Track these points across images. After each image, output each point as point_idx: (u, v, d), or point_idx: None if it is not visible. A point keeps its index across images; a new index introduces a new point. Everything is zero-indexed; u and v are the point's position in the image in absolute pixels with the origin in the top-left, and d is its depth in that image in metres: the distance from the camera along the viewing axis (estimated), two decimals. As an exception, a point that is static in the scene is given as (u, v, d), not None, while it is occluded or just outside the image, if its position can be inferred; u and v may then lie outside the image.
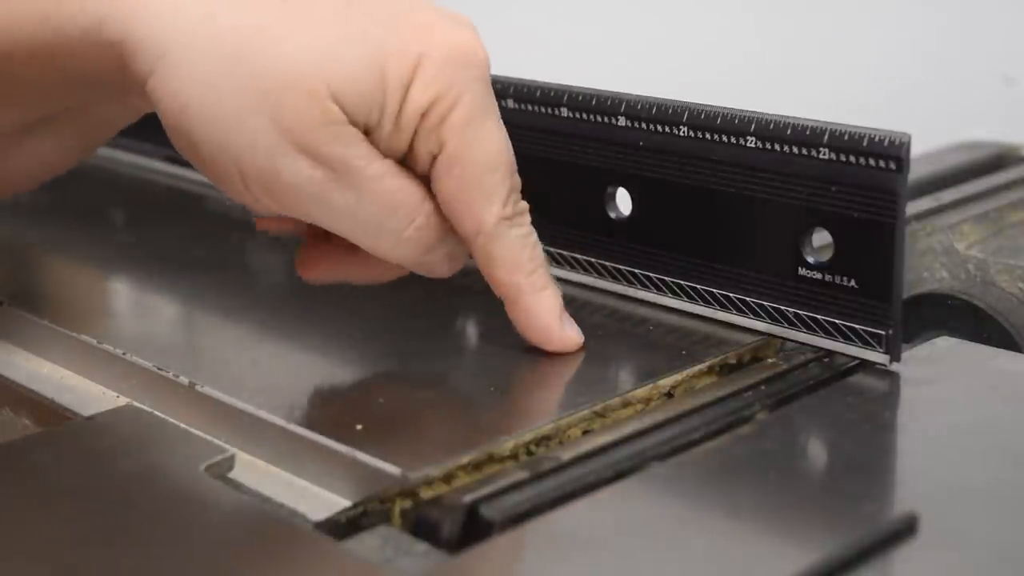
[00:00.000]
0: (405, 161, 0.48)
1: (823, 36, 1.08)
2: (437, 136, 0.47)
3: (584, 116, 0.55)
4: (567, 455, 0.43)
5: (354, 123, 0.46)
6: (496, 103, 0.48)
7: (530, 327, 0.50)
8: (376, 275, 0.51)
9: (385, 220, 0.47)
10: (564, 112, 0.56)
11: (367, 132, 0.47)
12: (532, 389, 0.50)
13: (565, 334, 0.50)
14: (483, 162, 0.48)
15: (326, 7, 0.46)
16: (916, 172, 0.49)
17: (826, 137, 0.48)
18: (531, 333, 0.50)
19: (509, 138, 0.49)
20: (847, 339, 0.50)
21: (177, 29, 0.45)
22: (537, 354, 0.51)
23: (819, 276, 0.50)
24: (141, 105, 0.51)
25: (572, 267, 0.57)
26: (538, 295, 0.50)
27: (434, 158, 0.47)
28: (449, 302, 0.56)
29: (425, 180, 0.48)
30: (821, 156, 0.48)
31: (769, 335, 0.52)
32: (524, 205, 0.50)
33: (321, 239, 0.51)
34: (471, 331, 0.54)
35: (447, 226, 0.49)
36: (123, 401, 0.50)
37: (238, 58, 0.45)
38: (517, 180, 0.49)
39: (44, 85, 0.49)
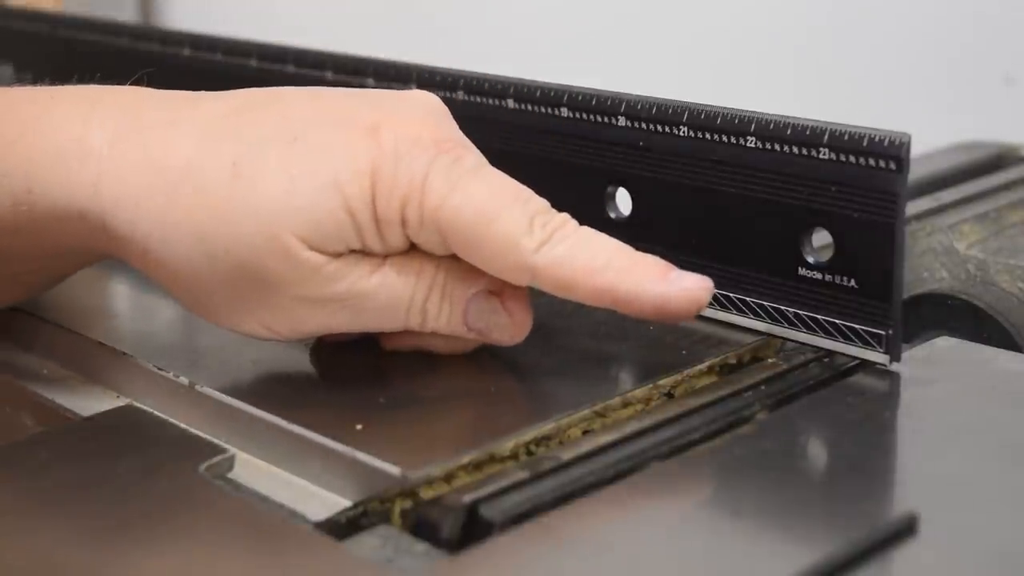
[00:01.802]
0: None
1: (823, 36, 1.08)
2: (429, 228, 0.46)
3: (584, 116, 0.55)
4: (567, 455, 0.43)
5: (338, 254, 0.46)
6: (468, 161, 0.47)
7: (646, 310, 0.46)
8: (459, 345, 0.51)
9: (401, 311, 0.48)
10: (564, 112, 0.56)
11: (362, 245, 0.46)
12: (532, 389, 0.50)
13: (684, 291, 0.46)
14: (477, 221, 0.46)
15: (273, 154, 0.46)
16: (916, 172, 0.49)
17: (826, 137, 0.48)
18: (651, 315, 0.46)
19: (500, 176, 0.47)
20: (847, 339, 0.50)
21: (147, 223, 0.46)
22: (537, 354, 0.51)
23: (819, 276, 0.50)
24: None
25: (572, 267, 0.57)
26: (629, 276, 0.46)
27: (445, 242, 0.47)
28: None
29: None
30: (821, 156, 0.48)
31: (769, 335, 0.52)
32: (555, 218, 0.47)
33: None
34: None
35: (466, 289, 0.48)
36: (123, 401, 0.50)
37: (206, 239, 0.46)
38: (534, 205, 0.47)
39: (30, 254, 0.50)
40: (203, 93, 0.49)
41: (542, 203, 0.47)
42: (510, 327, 0.49)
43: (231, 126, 0.47)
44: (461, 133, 0.49)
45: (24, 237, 0.49)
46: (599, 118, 0.55)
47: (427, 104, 0.49)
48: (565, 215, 0.47)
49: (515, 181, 0.48)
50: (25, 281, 0.53)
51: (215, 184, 0.46)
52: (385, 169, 0.46)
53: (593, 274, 0.46)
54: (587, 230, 0.47)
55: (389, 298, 0.47)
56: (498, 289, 0.48)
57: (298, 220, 0.45)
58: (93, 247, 0.49)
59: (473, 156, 0.48)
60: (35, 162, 0.47)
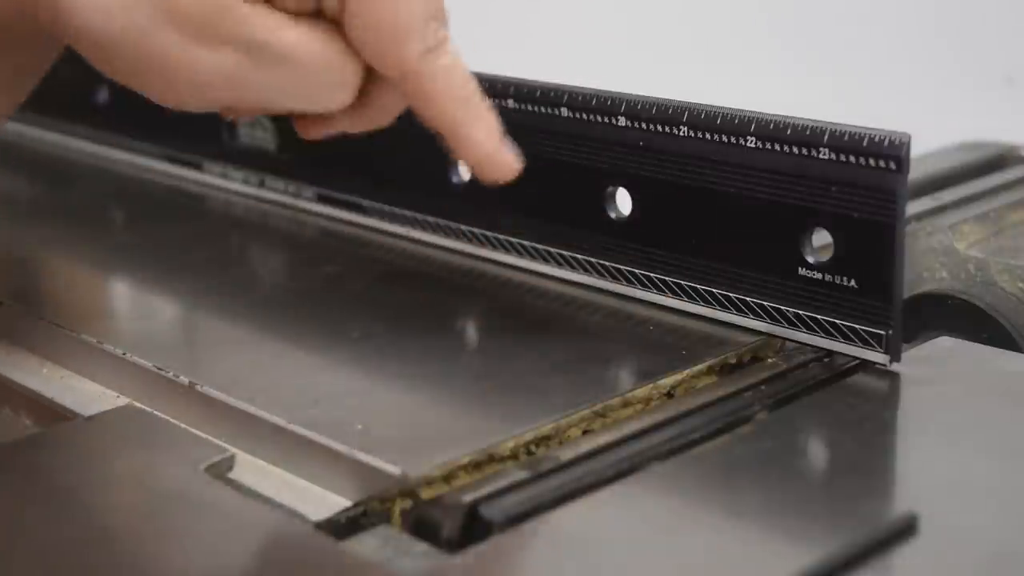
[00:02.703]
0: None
1: (823, 36, 1.08)
2: None
3: (584, 116, 0.55)
4: (567, 455, 0.43)
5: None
6: None
7: (470, 157, 0.49)
8: (371, 118, 0.50)
9: (316, 82, 0.46)
10: (564, 112, 0.56)
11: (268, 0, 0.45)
12: (532, 389, 0.50)
13: (504, 159, 0.49)
14: (388, 4, 0.46)
15: None
16: (916, 172, 0.49)
17: (826, 137, 0.48)
18: (472, 162, 0.49)
19: None
20: (847, 339, 0.50)
21: None
22: (537, 353, 0.51)
23: (819, 276, 0.50)
24: (50, 44, 0.51)
25: (572, 267, 0.57)
26: (476, 124, 0.48)
27: (341, 5, 0.46)
28: (448, 302, 0.56)
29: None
30: (821, 156, 0.48)
31: (769, 335, 0.52)
32: (445, 34, 0.47)
33: None
34: (470, 331, 0.54)
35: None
36: (123, 401, 0.50)
37: None
38: (435, 7, 0.47)
39: None
40: None
41: (443, 14, 0.47)
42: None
43: None
44: None
45: None
46: (599, 118, 0.55)
47: None
48: (447, 32, 0.47)
49: None
50: None
51: None
52: None
53: (451, 101, 0.47)
54: (458, 58, 0.47)
55: (309, 66, 0.46)
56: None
57: None
58: (16, 13, 0.47)
59: None
60: None
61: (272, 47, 0.45)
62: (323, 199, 0.67)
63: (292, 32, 0.46)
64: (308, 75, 0.46)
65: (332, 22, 0.46)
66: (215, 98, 0.46)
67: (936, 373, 0.49)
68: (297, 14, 0.46)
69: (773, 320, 0.51)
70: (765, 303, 0.52)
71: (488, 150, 0.48)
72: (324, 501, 0.43)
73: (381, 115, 0.50)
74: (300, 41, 0.46)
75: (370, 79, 0.48)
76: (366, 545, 0.40)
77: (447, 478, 0.42)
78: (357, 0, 0.46)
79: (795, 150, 0.49)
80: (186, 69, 0.45)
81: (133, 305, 0.61)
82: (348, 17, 0.46)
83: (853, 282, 0.49)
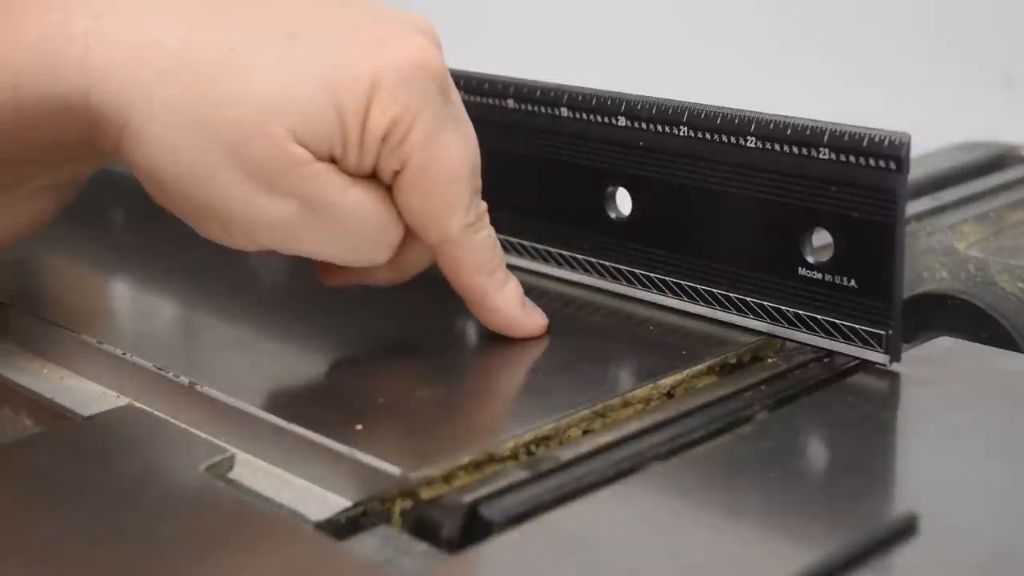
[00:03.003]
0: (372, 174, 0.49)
1: (823, 36, 1.08)
2: (398, 155, 0.47)
3: (584, 116, 0.55)
4: (567, 455, 0.43)
5: (319, 157, 0.47)
6: (455, 108, 0.49)
7: (496, 323, 0.51)
8: (397, 275, 0.52)
9: (366, 239, 0.48)
10: (564, 112, 0.56)
11: (333, 160, 0.47)
12: (532, 389, 0.50)
13: (530, 321, 0.52)
14: (445, 176, 0.48)
15: (272, 48, 0.46)
16: (916, 172, 0.49)
17: (826, 137, 0.48)
18: (498, 327, 0.52)
19: (472, 137, 0.49)
20: (847, 339, 0.50)
21: (134, 97, 0.46)
22: (537, 353, 0.51)
23: (819, 276, 0.50)
24: (114, 159, 0.51)
25: (572, 267, 0.57)
26: (501, 293, 0.51)
27: (396, 174, 0.48)
28: (448, 302, 0.56)
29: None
30: (821, 156, 0.48)
31: (769, 335, 0.52)
32: (483, 206, 0.50)
33: None
34: (471, 331, 0.54)
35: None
36: (123, 401, 0.50)
37: (195, 120, 0.46)
38: (478, 183, 0.50)
39: (14, 156, 0.49)
40: None
41: (479, 184, 0.50)
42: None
43: (225, 12, 0.47)
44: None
45: (9, 139, 0.48)
46: (599, 118, 0.55)
47: (427, 29, 0.49)
48: (485, 204, 0.50)
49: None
50: (19, 200, 0.51)
51: (211, 68, 0.46)
52: (387, 84, 0.46)
53: (481, 272, 0.50)
54: (491, 230, 0.51)
55: (364, 223, 0.48)
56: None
57: (290, 112, 0.46)
58: (78, 136, 0.48)
59: (458, 101, 0.49)
60: (18, 56, 0.46)
61: (334, 206, 0.47)
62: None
63: (353, 193, 0.48)
64: (360, 234, 0.48)
65: (383, 186, 0.49)
66: (265, 243, 0.48)
67: (936, 373, 0.49)
68: (355, 175, 0.48)
69: (773, 320, 0.51)
70: (765, 303, 0.52)
71: (512, 316, 0.51)
72: (324, 501, 0.43)
73: (406, 273, 0.52)
74: (360, 201, 0.48)
75: (404, 239, 0.50)
76: (366, 545, 0.40)
77: (447, 478, 0.42)
78: (417, 171, 0.48)
79: (795, 150, 0.49)
80: (244, 215, 0.47)
81: (133, 305, 0.61)
82: (404, 185, 0.48)
83: (853, 282, 0.49)
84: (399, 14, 0.49)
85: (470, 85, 0.58)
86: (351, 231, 0.48)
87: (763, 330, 0.52)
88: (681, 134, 0.52)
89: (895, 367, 0.49)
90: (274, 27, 0.47)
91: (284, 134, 0.46)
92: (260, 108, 0.46)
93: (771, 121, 0.50)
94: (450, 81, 0.49)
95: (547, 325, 0.52)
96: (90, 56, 0.46)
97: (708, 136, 0.51)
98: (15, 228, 0.52)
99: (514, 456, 0.44)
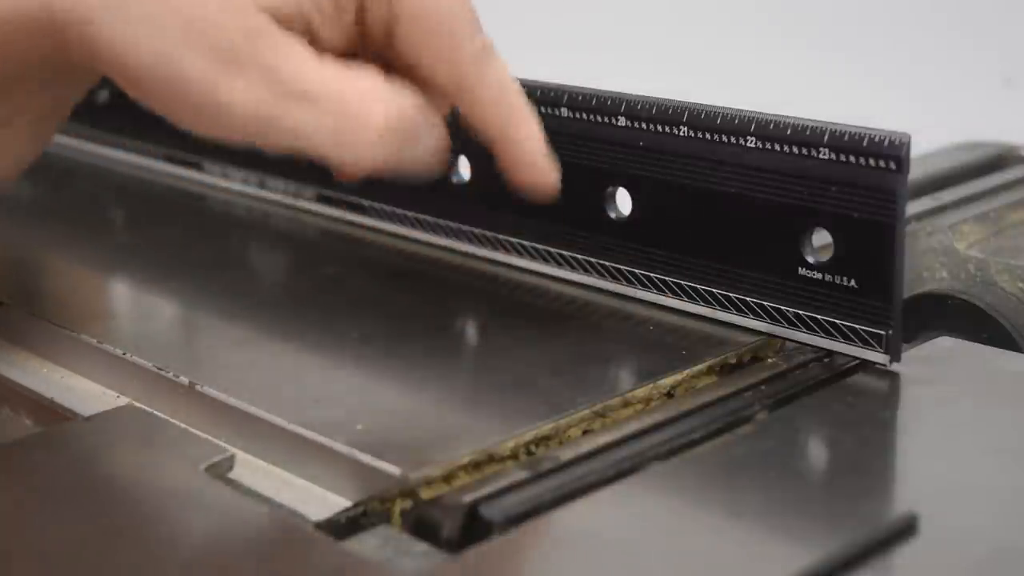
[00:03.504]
0: (359, 43, 0.47)
1: (823, 35, 1.08)
2: (386, 4, 0.46)
3: (584, 116, 0.55)
4: (567, 455, 0.43)
5: (289, 26, 0.45)
6: None
7: (519, 161, 0.48)
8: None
9: (343, 124, 0.45)
10: (564, 112, 0.56)
11: (308, 28, 0.45)
12: (532, 389, 0.50)
13: (548, 167, 0.49)
14: (443, 10, 0.46)
15: None
16: (916, 172, 0.49)
17: (826, 137, 0.48)
18: (519, 166, 0.48)
19: None
20: (847, 339, 0.50)
21: None
22: (537, 353, 0.50)
23: (819, 276, 0.50)
24: (86, 76, 0.50)
25: (572, 267, 0.57)
26: (526, 129, 0.48)
27: (387, 24, 0.46)
28: (448, 302, 0.56)
29: (381, 56, 0.47)
30: (821, 156, 0.48)
31: (769, 335, 0.52)
32: (489, 39, 0.48)
33: None
34: (470, 331, 0.54)
35: (413, 109, 0.46)
36: (123, 401, 0.50)
37: (156, 1, 0.44)
38: (476, 14, 0.47)
39: None
40: None
41: (476, 14, 0.48)
42: (437, 159, 0.48)
43: None
44: None
45: None
46: (599, 118, 0.55)
47: None
48: (489, 38, 0.48)
49: None
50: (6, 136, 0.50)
51: None
52: None
53: (506, 107, 0.48)
54: (503, 60, 0.48)
55: (343, 107, 0.45)
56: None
57: None
58: (48, 50, 0.46)
59: None
60: None
61: (307, 81, 0.44)
62: (323, 199, 0.67)
63: (330, 68, 0.45)
64: (341, 119, 0.44)
65: (377, 62, 0.46)
66: (242, 131, 0.45)
67: (936, 373, 0.49)
68: (339, 48, 0.46)
69: (773, 320, 0.51)
70: (765, 303, 0.52)
71: (535, 157, 0.48)
72: (324, 501, 0.43)
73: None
74: (337, 78, 0.45)
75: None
76: (366, 545, 0.40)
77: (447, 478, 0.42)
78: (411, 16, 0.46)
79: (795, 150, 0.49)
80: (211, 97, 0.44)
81: (133, 305, 0.61)
82: (402, 35, 0.46)
83: (853, 282, 0.49)
84: None
85: (470, 85, 0.58)
86: (329, 113, 0.44)
87: (763, 330, 0.52)
88: (681, 134, 0.52)
89: (895, 367, 0.49)
90: None
91: (247, 3, 0.44)
92: None
93: (771, 121, 0.50)
94: None
95: (558, 184, 0.49)
96: None
97: (708, 136, 0.51)
98: None
99: (514, 456, 0.44)
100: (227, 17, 0.44)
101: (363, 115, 0.44)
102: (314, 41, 0.46)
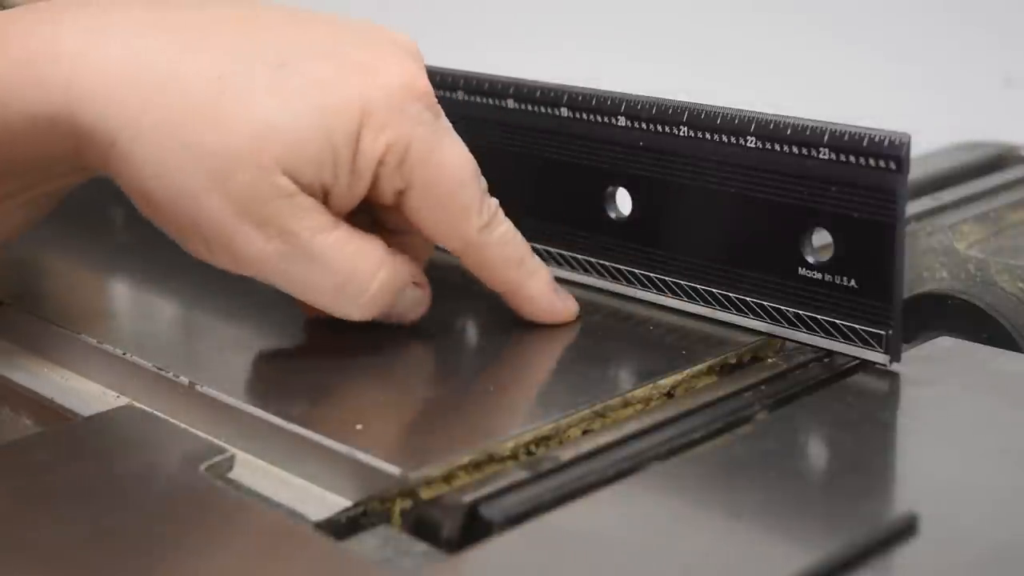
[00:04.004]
0: (368, 199, 0.49)
1: (823, 35, 1.08)
2: (400, 175, 0.48)
3: (584, 116, 0.55)
4: (567, 455, 0.43)
5: (308, 190, 0.47)
6: (444, 120, 0.49)
7: (533, 312, 0.52)
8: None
9: (344, 286, 0.48)
10: (564, 112, 0.56)
11: (324, 191, 0.47)
12: (532, 389, 0.50)
13: (564, 306, 0.53)
14: (451, 184, 0.49)
15: (260, 75, 0.47)
16: (916, 172, 0.49)
17: (826, 137, 0.48)
18: (534, 315, 0.52)
19: (463, 144, 0.50)
20: (847, 339, 0.50)
21: (121, 120, 0.46)
22: (537, 353, 0.51)
23: (819, 276, 0.50)
24: (87, 174, 0.51)
25: (572, 267, 0.57)
26: (533, 280, 0.52)
27: (399, 193, 0.49)
28: (448, 302, 0.56)
29: (389, 213, 0.50)
30: (821, 156, 0.48)
31: (769, 335, 0.52)
32: (494, 202, 0.51)
33: None
34: (470, 331, 0.54)
35: (405, 276, 0.50)
36: (123, 401, 0.50)
37: (182, 145, 0.46)
38: (483, 182, 0.50)
39: (3, 171, 0.49)
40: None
41: (485, 183, 0.51)
42: (418, 311, 0.52)
43: (214, 38, 0.48)
44: None
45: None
46: (599, 118, 0.55)
47: (411, 50, 0.50)
48: (496, 200, 0.51)
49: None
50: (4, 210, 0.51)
51: (201, 93, 0.46)
52: (377, 110, 0.47)
53: (509, 266, 0.51)
54: (509, 223, 0.51)
55: (342, 267, 0.48)
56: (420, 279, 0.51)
57: (278, 142, 0.46)
58: (64, 153, 0.48)
59: (443, 114, 0.50)
60: (4, 72, 0.46)
61: (317, 244, 0.47)
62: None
63: (331, 235, 0.48)
64: (341, 276, 0.48)
65: (372, 237, 0.49)
66: (249, 272, 0.48)
67: (936, 373, 0.49)
68: (345, 209, 0.48)
69: (773, 320, 0.51)
70: (765, 303, 0.52)
71: (543, 305, 0.52)
72: (324, 501, 0.43)
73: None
74: (342, 241, 0.48)
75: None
76: (366, 545, 0.40)
77: (447, 478, 0.42)
78: (424, 187, 0.48)
79: (795, 150, 0.49)
80: (226, 241, 0.47)
81: (133, 305, 0.61)
82: (413, 202, 0.49)
83: (853, 282, 0.49)
84: (383, 34, 0.50)
85: (470, 85, 0.58)
86: (330, 275, 0.48)
87: (763, 330, 0.52)
88: (681, 134, 0.52)
89: (895, 367, 0.49)
90: (262, 54, 0.47)
91: (271, 164, 0.46)
92: (247, 137, 0.46)
93: (771, 121, 0.50)
94: (433, 95, 0.49)
95: (577, 311, 0.53)
96: (77, 78, 0.46)
97: (708, 136, 0.51)
98: None
99: (514, 456, 0.44)
100: (254, 175, 0.46)
101: (363, 281, 0.48)
102: (328, 201, 0.48)
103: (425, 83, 0.49)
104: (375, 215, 0.52)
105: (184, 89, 0.46)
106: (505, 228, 0.51)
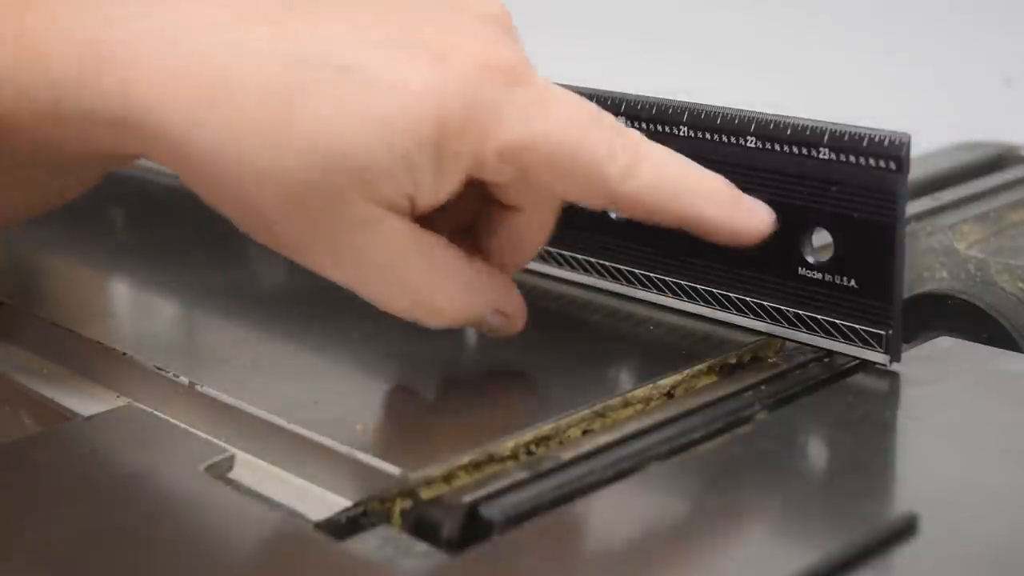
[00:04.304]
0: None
1: (823, 35, 1.08)
2: (504, 167, 0.44)
3: (584, 116, 0.55)
4: (567, 455, 0.43)
5: (386, 202, 0.43)
6: (532, 71, 0.44)
7: (717, 237, 0.47)
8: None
9: (420, 314, 0.47)
10: (564, 112, 0.55)
11: (407, 197, 0.44)
12: (532, 389, 0.50)
13: (750, 221, 0.47)
14: (565, 149, 0.44)
15: (323, 84, 0.42)
16: (916, 172, 0.49)
17: (826, 137, 0.48)
18: (722, 240, 0.47)
19: (564, 92, 0.45)
20: (847, 339, 0.50)
21: (182, 124, 0.43)
22: (537, 354, 0.50)
23: (819, 276, 0.50)
24: (104, 171, 0.51)
25: (572, 267, 0.57)
26: (707, 205, 0.46)
27: (514, 177, 0.44)
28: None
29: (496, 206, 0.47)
30: (821, 156, 0.48)
31: (769, 335, 0.52)
32: (632, 136, 0.45)
33: None
34: (470, 331, 0.54)
35: (480, 309, 0.47)
36: (123, 401, 0.50)
37: (245, 164, 0.43)
38: (608, 122, 0.45)
39: (53, 161, 0.48)
40: None
41: (610, 118, 0.45)
42: (512, 329, 0.49)
43: (277, 32, 0.43)
44: (520, 42, 0.45)
45: (53, 147, 0.46)
46: (599, 118, 0.55)
47: (491, 14, 0.45)
48: (633, 132, 0.45)
49: (573, 93, 0.45)
50: (47, 188, 0.50)
51: (261, 109, 0.42)
52: (452, 111, 0.42)
53: (673, 201, 0.45)
54: (656, 150, 0.45)
55: (412, 293, 0.46)
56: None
57: (347, 166, 0.42)
58: (123, 149, 0.46)
59: (538, 75, 0.44)
60: (60, 70, 0.44)
61: (382, 269, 0.45)
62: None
63: (409, 263, 0.45)
64: (409, 302, 0.46)
65: (455, 250, 0.46)
66: (321, 273, 0.46)
67: (936, 373, 0.49)
68: (441, 201, 0.45)
69: (773, 320, 0.51)
70: (765, 303, 0.52)
71: (730, 224, 0.46)
72: (324, 501, 0.43)
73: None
74: (412, 273, 0.45)
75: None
76: (366, 545, 0.40)
77: (447, 478, 0.42)
78: (535, 167, 0.44)
79: (795, 150, 0.49)
80: (295, 253, 0.46)
81: (133, 305, 0.61)
82: (536, 177, 0.44)
83: (853, 282, 0.49)
84: (458, 1, 0.45)
85: (470, 85, 0.58)
86: (406, 298, 0.46)
87: (763, 330, 0.52)
88: (681, 134, 0.52)
89: (895, 367, 0.49)
90: (326, 54, 0.42)
91: (340, 191, 0.43)
92: (314, 159, 0.42)
93: (771, 121, 0.50)
94: (522, 60, 0.44)
95: (772, 219, 0.47)
96: (130, 89, 0.43)
97: (708, 136, 0.51)
98: (16, 214, 0.51)
99: (514, 456, 0.44)
100: (324, 201, 0.43)
101: (435, 310, 0.47)
102: (414, 204, 0.44)
103: (506, 54, 0.43)
104: (486, 191, 0.47)
105: (242, 102, 0.42)
106: (649, 168, 0.45)
